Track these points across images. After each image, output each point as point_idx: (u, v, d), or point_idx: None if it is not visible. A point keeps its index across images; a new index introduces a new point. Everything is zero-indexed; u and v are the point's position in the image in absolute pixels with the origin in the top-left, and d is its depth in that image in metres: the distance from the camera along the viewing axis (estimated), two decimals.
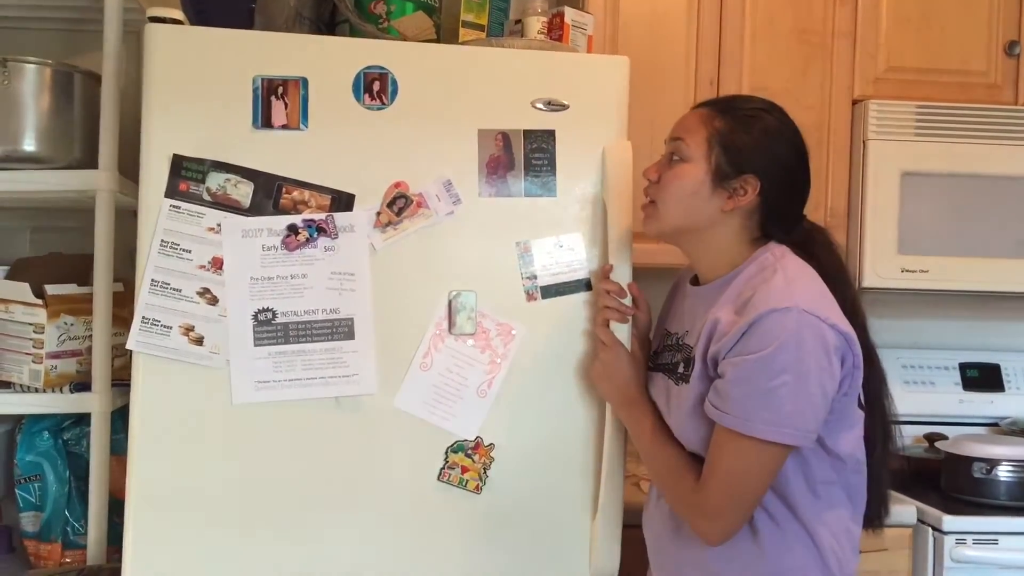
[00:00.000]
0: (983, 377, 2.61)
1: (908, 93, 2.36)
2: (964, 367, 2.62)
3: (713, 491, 1.38)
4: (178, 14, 1.64)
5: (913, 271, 2.32)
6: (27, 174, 1.84)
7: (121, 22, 1.85)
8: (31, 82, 1.85)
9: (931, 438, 2.45)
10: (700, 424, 1.42)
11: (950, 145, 2.33)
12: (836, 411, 1.40)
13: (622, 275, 1.64)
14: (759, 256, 1.46)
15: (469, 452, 1.65)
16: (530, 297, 1.68)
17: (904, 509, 2.09)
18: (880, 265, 2.32)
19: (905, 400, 2.54)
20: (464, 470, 1.65)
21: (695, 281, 1.57)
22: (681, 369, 1.50)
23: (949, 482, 2.22)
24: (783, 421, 1.33)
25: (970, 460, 2.17)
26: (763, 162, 1.45)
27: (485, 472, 1.66)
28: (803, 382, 1.33)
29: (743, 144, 1.45)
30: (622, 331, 1.62)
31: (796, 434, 1.34)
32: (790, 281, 1.38)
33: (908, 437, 2.53)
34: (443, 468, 1.65)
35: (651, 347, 1.66)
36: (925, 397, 2.56)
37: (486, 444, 1.66)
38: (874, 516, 1.53)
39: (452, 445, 1.65)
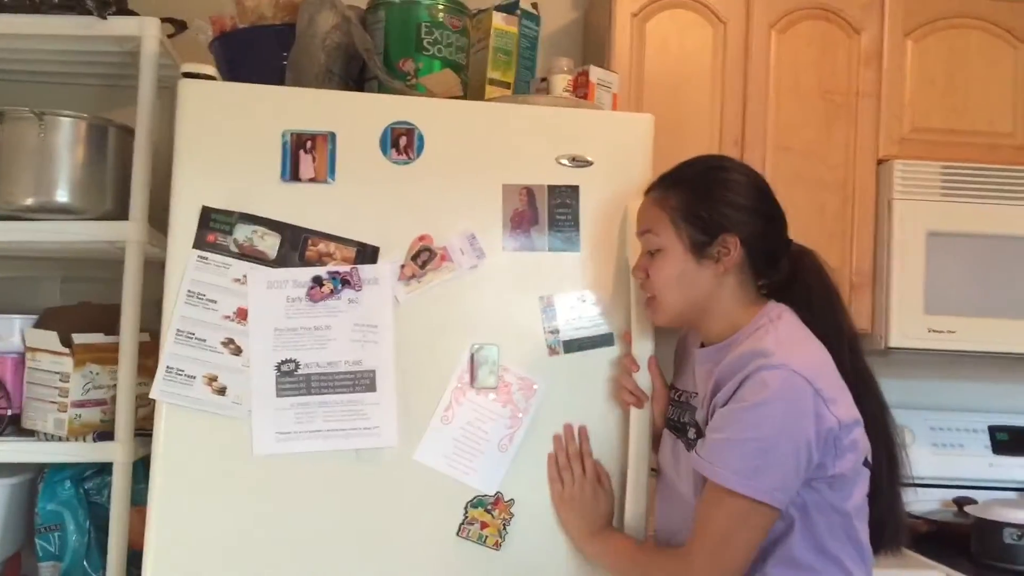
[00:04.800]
0: (1013, 440, 2.56)
1: (933, 153, 2.35)
2: (993, 430, 2.57)
3: (697, 550, 1.38)
4: (211, 70, 1.68)
5: (940, 331, 2.30)
6: (59, 225, 1.87)
7: (156, 78, 1.89)
8: (66, 135, 1.90)
9: (960, 502, 2.41)
10: None
11: (976, 205, 2.32)
12: (849, 472, 1.39)
13: (644, 334, 1.64)
14: (756, 320, 1.46)
15: (489, 507, 1.64)
16: (552, 352, 1.67)
17: (933, 575, 2.04)
18: (907, 325, 2.30)
19: (933, 463, 2.50)
20: (484, 526, 1.64)
21: (702, 345, 1.57)
22: (692, 434, 1.50)
23: (979, 548, 2.17)
24: (751, 474, 1.33)
25: (1001, 525, 2.12)
26: (732, 216, 1.46)
27: (505, 528, 1.64)
28: (777, 441, 1.33)
29: (705, 210, 1.46)
30: (640, 415, 1.63)
31: (760, 489, 1.33)
32: (781, 342, 1.39)
33: (936, 501, 2.49)
34: (463, 523, 1.64)
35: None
36: (954, 460, 2.51)
37: (506, 500, 1.65)
38: (891, 540, 1.52)
39: (472, 500, 1.64)
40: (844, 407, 1.39)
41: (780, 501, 1.34)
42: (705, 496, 1.39)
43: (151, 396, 1.59)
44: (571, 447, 1.66)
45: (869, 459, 1.45)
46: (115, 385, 1.86)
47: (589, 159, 1.70)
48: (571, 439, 1.66)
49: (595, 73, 1.89)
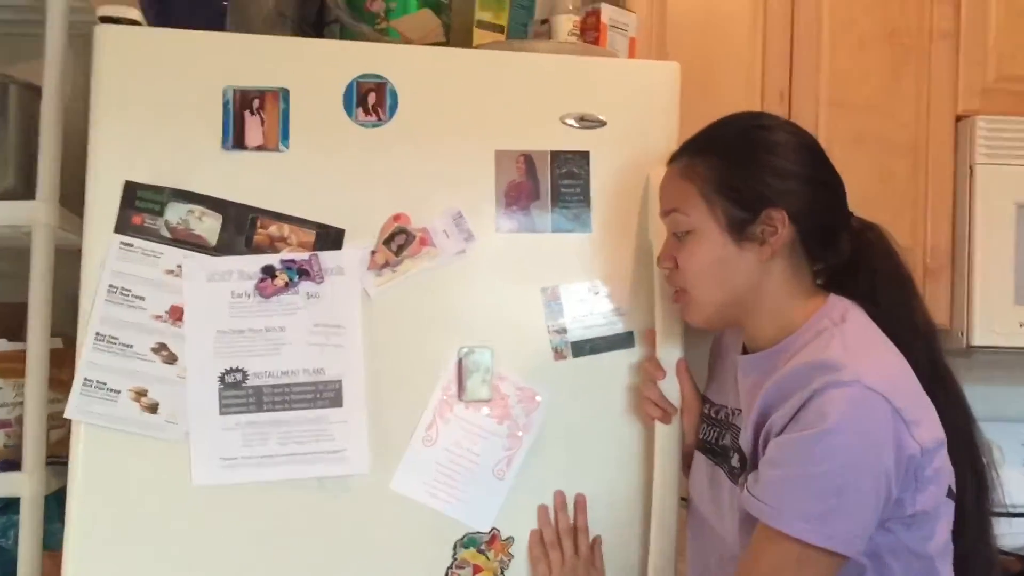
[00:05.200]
0: None
1: None
2: None
3: None
4: (134, 13, 1.68)
5: None
6: None
7: (67, 24, 1.88)
8: None
9: None
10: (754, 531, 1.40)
11: None
12: (931, 507, 1.38)
13: (671, 332, 1.64)
14: (815, 320, 1.44)
15: (483, 547, 1.65)
16: (558, 355, 1.68)
17: None
18: (994, 318, 2.30)
19: None
20: (477, 569, 1.65)
21: (744, 349, 1.55)
22: (736, 462, 1.49)
23: None
24: (823, 519, 1.30)
25: None
26: (777, 186, 1.44)
27: (502, 572, 1.65)
28: (852, 477, 1.30)
29: (743, 179, 1.44)
30: (667, 431, 1.64)
31: (835, 537, 1.30)
32: (850, 350, 1.36)
33: None
34: (451, 567, 1.65)
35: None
36: None
37: (504, 538, 1.66)
38: None
39: (462, 539, 1.65)
40: (927, 428, 1.36)
41: (857, 550, 1.32)
42: (756, 534, 1.36)
43: (66, 415, 1.59)
44: (562, 521, 1.66)
45: (953, 487, 1.43)
46: (21, 403, 1.85)
47: (601, 118, 1.71)
48: (562, 510, 1.66)
49: (608, 12, 1.89)
